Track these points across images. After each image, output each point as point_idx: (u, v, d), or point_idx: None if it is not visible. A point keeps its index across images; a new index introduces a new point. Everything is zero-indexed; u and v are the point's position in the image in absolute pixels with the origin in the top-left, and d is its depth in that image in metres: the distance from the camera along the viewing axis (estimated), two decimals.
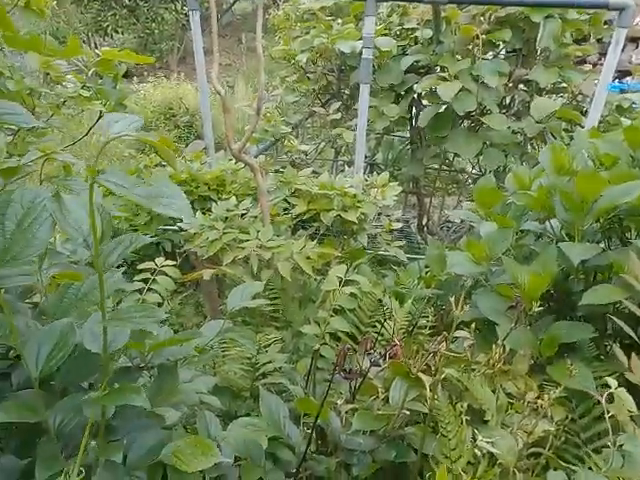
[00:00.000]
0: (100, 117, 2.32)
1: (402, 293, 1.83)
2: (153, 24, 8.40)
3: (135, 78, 6.28)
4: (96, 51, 2.07)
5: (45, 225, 0.58)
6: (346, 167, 4.56)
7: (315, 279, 2.00)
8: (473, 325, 1.17)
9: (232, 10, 10.29)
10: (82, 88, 2.25)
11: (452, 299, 0.98)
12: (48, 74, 1.96)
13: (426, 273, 1.98)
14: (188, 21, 9.61)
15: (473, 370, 1.20)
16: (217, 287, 2.58)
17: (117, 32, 8.31)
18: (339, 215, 1.89)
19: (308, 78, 4.39)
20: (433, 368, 1.06)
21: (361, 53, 2.91)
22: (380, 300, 1.82)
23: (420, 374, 0.96)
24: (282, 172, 2.08)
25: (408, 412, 1.00)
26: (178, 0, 8.62)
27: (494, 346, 1.16)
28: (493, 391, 1.17)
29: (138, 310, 0.64)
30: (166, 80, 5.00)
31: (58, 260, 0.81)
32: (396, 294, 1.82)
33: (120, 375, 0.82)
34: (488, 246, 1.57)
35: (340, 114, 3.85)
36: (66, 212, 0.59)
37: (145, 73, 6.73)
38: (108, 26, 8.20)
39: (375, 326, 1.80)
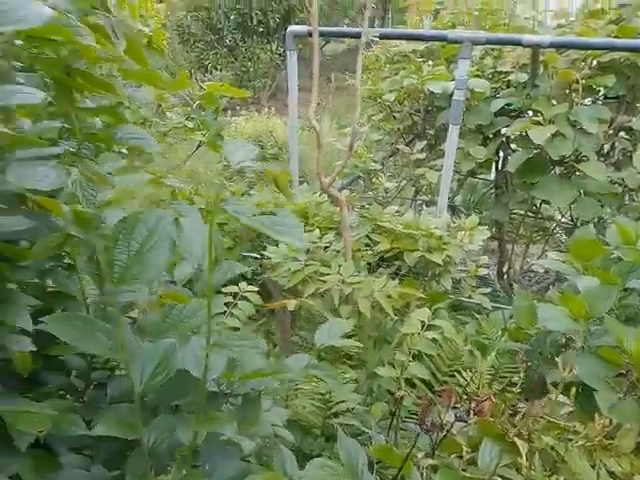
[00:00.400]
0: (199, 146, 2.49)
1: (485, 344, 1.73)
2: (249, 63, 8.99)
3: (229, 112, 6.71)
4: (200, 84, 2.23)
5: (165, 247, 0.61)
6: (424, 206, 4.50)
7: (392, 319, 1.95)
8: (573, 390, 1.07)
9: (322, 51, 10.78)
10: (186, 119, 2.43)
11: (558, 360, 0.90)
12: (160, 105, 2.14)
13: (511, 324, 1.87)
14: (282, 60, 10.13)
15: (570, 440, 1.09)
16: (290, 318, 2.60)
17: (216, 69, 8.97)
18: (423, 256, 1.85)
19: (394, 117, 4.44)
20: (525, 432, 0.97)
21: (452, 94, 2.90)
22: (460, 349, 1.73)
23: (516, 439, 0.88)
24: (367, 208, 2.08)
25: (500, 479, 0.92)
26: (274, 41, 9.17)
27: (596, 416, 1.05)
28: (592, 467, 1.06)
29: (241, 338, 0.64)
30: (257, 114, 5.29)
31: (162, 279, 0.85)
32: (478, 344, 1.72)
33: (208, 400, 0.82)
34: (587, 302, 1.45)
35: (424, 154, 3.83)
36: (183, 236, 0.62)
37: (238, 107, 7.16)
38: (209, 64, 8.89)
39: (454, 376, 1.71)
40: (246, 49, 9.03)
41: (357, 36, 3.31)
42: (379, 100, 4.33)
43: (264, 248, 2.17)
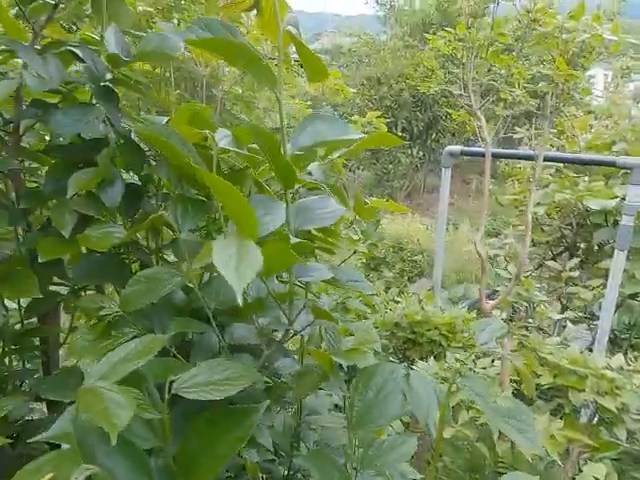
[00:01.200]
0: (354, 252, 2.68)
1: None
2: (390, 165, 9.57)
3: None
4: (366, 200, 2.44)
5: (397, 400, 0.70)
6: (569, 324, 4.14)
7: (550, 464, 1.79)
8: None
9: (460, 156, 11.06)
10: (347, 228, 2.66)
11: None
12: None
13: None
14: (421, 164, 10.47)
15: None
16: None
17: (359, 169, 9.69)
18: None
19: (542, 230, 4.31)
20: None
21: (610, 212, 2.77)
22: None
23: None
24: (526, 336, 2.01)
25: None
26: (415, 146, 9.71)
27: None
28: None
29: None
30: (399, 216, 5.55)
31: None
32: None
33: None
34: None
35: (577, 271, 3.62)
36: (413, 391, 0.70)
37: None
38: (353, 164, 9.66)
39: None
40: (388, 152, 9.66)
41: (529, 158, 3.39)
42: (525, 210, 4.25)
43: None
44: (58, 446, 0.72)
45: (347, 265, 2.10)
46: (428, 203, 9.92)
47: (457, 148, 3.55)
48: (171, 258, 1.15)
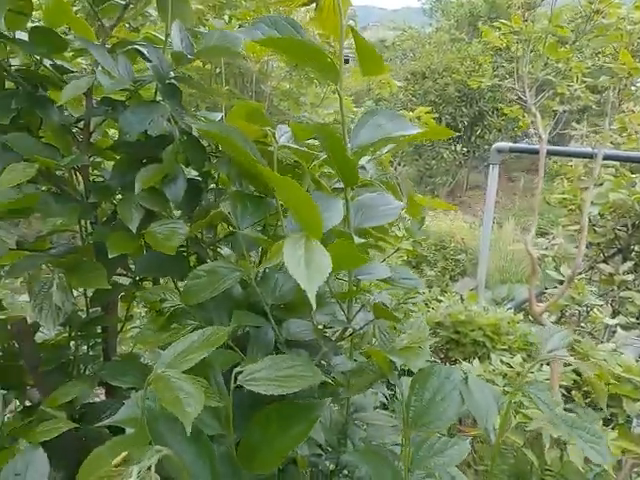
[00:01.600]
0: (397, 249, 2.65)
1: None
2: (433, 161, 9.40)
3: None
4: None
5: (454, 402, 0.69)
6: (619, 329, 3.95)
7: (601, 474, 1.72)
8: None
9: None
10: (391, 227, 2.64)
11: None
12: None
13: None
14: (465, 160, 10.20)
15: None
16: None
17: (400, 165, 9.55)
18: None
19: (594, 231, 4.13)
20: None
21: None
22: None
23: None
24: (578, 341, 1.94)
25: None
26: (459, 142, 9.48)
27: None
28: None
29: None
30: (442, 214, 5.45)
31: None
32: None
33: None
34: None
35: (631, 275, 3.46)
36: (472, 395, 0.69)
37: None
38: (395, 160, 9.56)
39: None
40: (431, 148, 9.49)
41: (586, 156, 3.25)
42: (575, 209, 4.09)
43: None
44: (118, 429, 0.75)
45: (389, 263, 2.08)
46: (471, 200, 9.69)
47: (505, 145, 3.44)
48: (224, 251, 1.18)
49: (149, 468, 0.44)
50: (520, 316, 2.60)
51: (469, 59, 9.27)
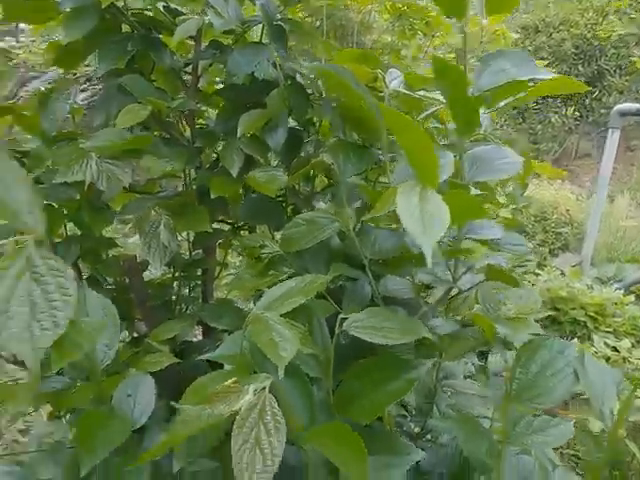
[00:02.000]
0: (496, 217, 2.50)
1: None
2: (539, 125, 8.63)
3: None
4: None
5: (567, 380, 0.63)
6: None
7: None
8: None
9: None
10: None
11: None
12: None
13: None
14: (576, 126, 9.27)
15: None
16: None
17: (502, 127, 8.91)
18: None
19: None
20: None
21: None
22: None
23: None
24: None
25: None
26: (571, 105, 8.60)
27: None
28: None
29: None
30: (546, 182, 5.02)
31: None
32: None
33: None
34: None
35: None
36: (588, 375, 0.62)
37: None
38: (497, 122, 8.93)
39: None
40: (538, 111, 8.71)
41: None
42: None
43: None
44: (214, 368, 0.78)
45: None
46: (580, 170, 8.81)
47: (631, 106, 3.03)
48: (319, 206, 1.17)
49: (263, 389, 0.45)
50: (631, 297, 2.36)
51: (592, 10, 8.23)
